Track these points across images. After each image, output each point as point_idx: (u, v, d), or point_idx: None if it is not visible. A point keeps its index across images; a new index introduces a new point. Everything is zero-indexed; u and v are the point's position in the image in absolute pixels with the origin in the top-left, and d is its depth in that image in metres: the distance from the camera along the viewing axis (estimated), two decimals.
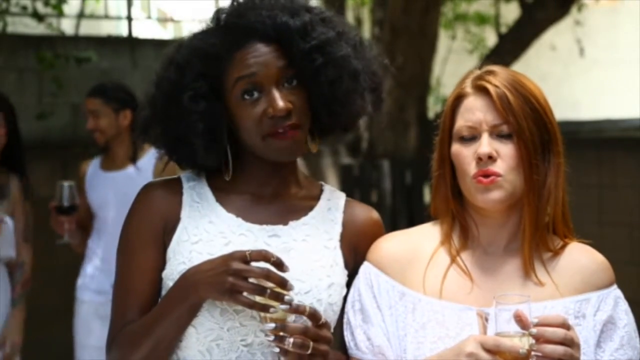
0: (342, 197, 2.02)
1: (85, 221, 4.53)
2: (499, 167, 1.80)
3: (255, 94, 1.87)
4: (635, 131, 6.77)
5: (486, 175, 1.80)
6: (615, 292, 1.87)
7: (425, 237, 1.91)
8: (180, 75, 1.90)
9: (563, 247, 1.87)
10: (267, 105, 1.86)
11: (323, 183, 2.05)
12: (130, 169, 4.48)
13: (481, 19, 9.28)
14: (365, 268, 1.90)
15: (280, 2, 1.93)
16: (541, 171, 1.82)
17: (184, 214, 1.92)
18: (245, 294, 1.75)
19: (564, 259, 1.86)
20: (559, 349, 1.64)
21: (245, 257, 1.76)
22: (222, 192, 1.96)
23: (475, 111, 1.84)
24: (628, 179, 6.31)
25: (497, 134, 1.82)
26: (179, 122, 1.90)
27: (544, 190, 1.82)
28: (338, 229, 1.97)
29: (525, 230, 1.83)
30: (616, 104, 9.45)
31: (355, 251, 1.97)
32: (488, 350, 1.64)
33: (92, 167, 4.57)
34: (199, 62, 1.90)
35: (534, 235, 1.83)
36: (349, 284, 1.94)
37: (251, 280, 1.75)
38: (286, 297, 1.75)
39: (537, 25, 6.83)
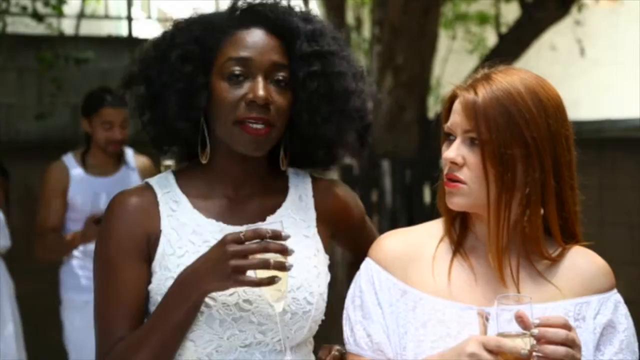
0: (307, 179, 2.02)
1: None
2: (464, 174, 1.80)
3: (241, 79, 1.86)
4: (635, 131, 6.76)
5: (451, 180, 1.81)
6: (615, 296, 1.87)
7: (428, 235, 1.91)
8: (177, 35, 1.91)
9: (564, 251, 1.86)
10: (248, 90, 1.85)
11: (286, 169, 2.01)
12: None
13: (482, 18, 9.27)
14: (367, 264, 1.89)
15: (301, 9, 1.95)
16: (511, 185, 1.78)
17: (164, 225, 1.89)
18: (249, 273, 1.73)
19: (564, 262, 1.86)
20: (561, 350, 1.64)
21: (239, 239, 1.74)
22: (197, 198, 1.93)
23: (455, 113, 1.84)
24: (628, 179, 6.31)
25: (469, 140, 1.81)
26: (161, 77, 1.88)
27: (528, 204, 1.80)
28: (312, 214, 1.98)
29: (489, 240, 1.82)
30: (616, 104, 9.45)
31: (334, 228, 2.01)
32: (490, 351, 1.64)
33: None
34: (197, 28, 1.90)
35: (498, 244, 1.81)
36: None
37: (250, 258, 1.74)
38: (287, 263, 1.74)
39: (537, 25, 6.83)
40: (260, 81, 1.85)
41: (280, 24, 1.90)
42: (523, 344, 1.63)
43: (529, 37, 6.90)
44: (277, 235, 1.74)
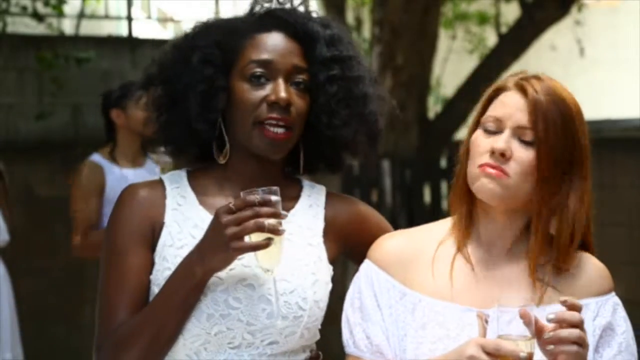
0: (322, 192, 2.03)
1: None
2: (510, 167, 1.78)
3: (263, 80, 1.89)
4: (635, 131, 6.75)
5: (493, 168, 1.79)
6: (614, 299, 1.86)
7: (429, 236, 1.90)
8: (197, 38, 1.93)
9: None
10: (270, 92, 1.88)
11: (302, 179, 2.05)
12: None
13: (482, 18, 9.28)
14: (367, 266, 1.89)
15: (318, 15, 1.99)
16: (561, 190, 1.79)
17: (168, 217, 1.93)
18: (246, 238, 1.76)
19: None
20: (575, 332, 1.64)
21: (230, 210, 1.76)
22: (205, 195, 1.96)
23: (507, 106, 1.81)
24: (628, 179, 6.30)
25: (519, 137, 1.79)
26: (182, 79, 1.91)
27: (564, 210, 1.80)
28: (320, 225, 1.98)
29: (534, 242, 1.81)
30: (616, 104, 9.45)
31: (344, 243, 1.99)
32: (488, 353, 1.63)
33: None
34: (218, 32, 1.93)
35: (541, 247, 1.80)
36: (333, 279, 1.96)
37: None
38: (280, 228, 1.76)
39: (537, 25, 6.84)
40: (281, 83, 1.89)
41: (300, 29, 1.93)
42: (523, 347, 1.62)
43: (529, 37, 6.90)
44: (266, 202, 1.77)
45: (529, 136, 1.78)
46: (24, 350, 4.83)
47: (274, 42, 1.91)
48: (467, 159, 1.84)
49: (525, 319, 1.63)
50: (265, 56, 1.90)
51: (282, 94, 1.87)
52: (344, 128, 1.94)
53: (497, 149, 1.78)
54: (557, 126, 1.78)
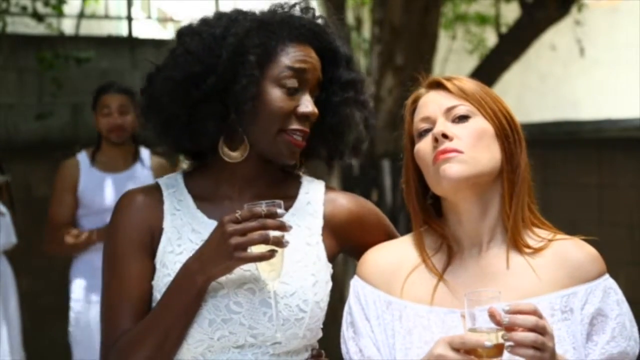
0: (320, 188, 2.03)
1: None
2: (457, 144, 1.80)
3: (292, 90, 1.91)
4: (635, 131, 6.75)
5: (444, 152, 1.80)
6: (605, 282, 1.83)
7: (410, 245, 1.92)
8: (245, 37, 1.89)
9: (549, 242, 1.85)
10: (299, 104, 1.90)
11: (302, 175, 2.05)
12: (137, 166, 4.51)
13: (481, 19, 9.28)
14: (354, 282, 1.91)
15: (332, 28, 2.00)
16: (513, 156, 1.83)
17: (166, 223, 1.93)
18: (249, 249, 1.76)
19: (550, 253, 1.84)
20: (530, 336, 1.60)
21: (236, 219, 1.77)
22: (202, 199, 1.96)
23: (428, 104, 1.87)
24: (628, 179, 6.31)
25: (452, 119, 1.83)
26: (211, 72, 1.87)
27: (519, 172, 1.83)
28: (319, 222, 1.98)
29: (505, 205, 1.83)
30: (616, 104, 9.44)
31: (343, 240, 1.99)
32: (457, 350, 1.63)
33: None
34: (262, 32, 1.91)
35: (517, 209, 1.82)
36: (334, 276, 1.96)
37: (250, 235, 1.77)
38: (284, 240, 1.78)
39: (537, 25, 6.83)
40: (309, 96, 1.92)
41: (327, 47, 1.96)
42: (487, 336, 1.61)
43: (529, 37, 6.90)
44: (272, 214, 1.78)
45: (462, 110, 1.83)
46: (24, 350, 4.83)
47: (309, 54, 1.93)
48: (417, 176, 1.93)
49: (494, 318, 1.62)
50: (302, 66, 1.91)
51: (314, 109, 1.91)
52: (337, 144, 2.00)
53: (437, 133, 1.81)
54: (481, 95, 1.84)
